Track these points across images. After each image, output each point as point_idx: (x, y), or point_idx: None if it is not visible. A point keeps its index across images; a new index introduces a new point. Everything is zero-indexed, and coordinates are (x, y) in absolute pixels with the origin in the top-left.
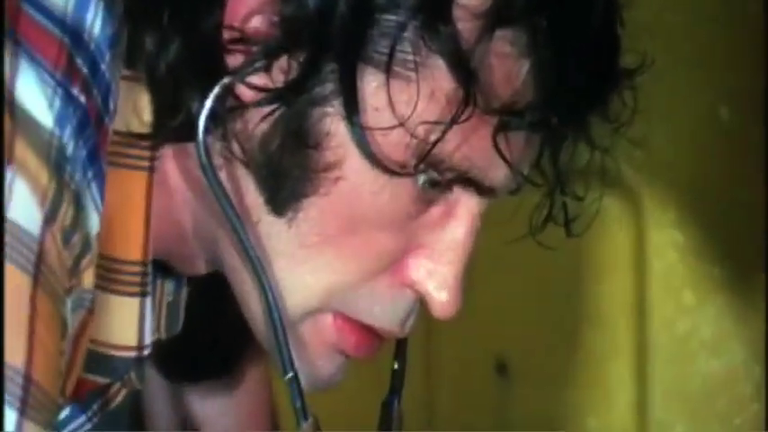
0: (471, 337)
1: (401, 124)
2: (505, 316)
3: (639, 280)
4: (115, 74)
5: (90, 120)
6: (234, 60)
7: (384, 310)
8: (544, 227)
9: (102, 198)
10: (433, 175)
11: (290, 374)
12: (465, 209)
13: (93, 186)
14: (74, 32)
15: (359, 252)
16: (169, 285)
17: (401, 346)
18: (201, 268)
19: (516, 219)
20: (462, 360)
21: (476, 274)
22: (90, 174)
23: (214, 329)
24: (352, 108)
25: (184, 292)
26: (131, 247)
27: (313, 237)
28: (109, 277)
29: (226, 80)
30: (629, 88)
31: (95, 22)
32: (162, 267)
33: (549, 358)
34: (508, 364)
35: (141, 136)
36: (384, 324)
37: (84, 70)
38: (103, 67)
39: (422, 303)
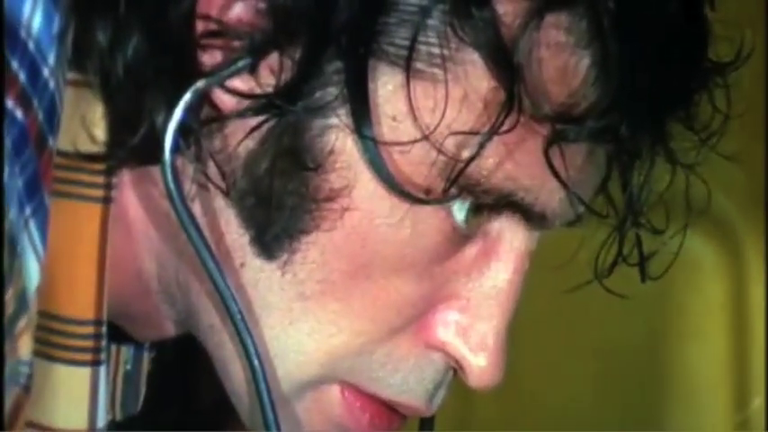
0: (522, 412)
1: (425, 137)
2: (566, 385)
3: (740, 345)
4: (60, 81)
5: (28, 140)
6: (210, 59)
7: (406, 379)
8: (612, 270)
9: (44, 241)
10: (468, 202)
11: None
12: (509, 246)
13: (32, 226)
14: (7, 29)
15: (372, 305)
16: (127, 351)
17: (427, 422)
18: (169, 330)
19: (577, 263)
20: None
21: (525, 333)
22: (28, 210)
23: (183, 408)
24: (363, 118)
25: (146, 359)
26: (81, 303)
27: (313, 285)
28: (52, 341)
29: (200, 84)
30: (722, 87)
31: (34, 15)
32: (117, 330)
33: None
34: None
35: (93, 158)
36: (406, 398)
37: (21, 77)
38: (46, 72)
39: (455, 371)
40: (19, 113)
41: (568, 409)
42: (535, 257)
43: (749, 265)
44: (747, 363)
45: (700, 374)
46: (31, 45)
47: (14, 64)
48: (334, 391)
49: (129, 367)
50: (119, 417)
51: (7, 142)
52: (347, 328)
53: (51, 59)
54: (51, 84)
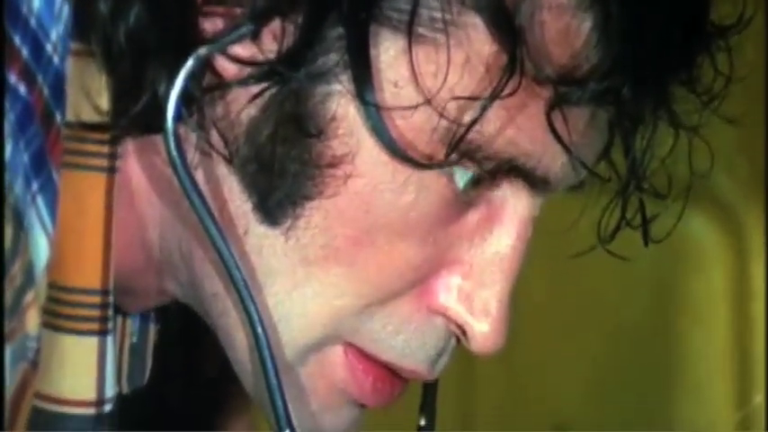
0: (524, 393)
1: (428, 101)
2: (567, 368)
3: (741, 329)
4: (65, 56)
5: (33, 115)
6: (212, 26)
7: (408, 343)
8: (615, 235)
9: (54, 216)
10: (470, 168)
11: None
12: (512, 212)
13: (40, 201)
14: (8, 4)
15: (375, 269)
16: (132, 323)
17: (429, 395)
18: (166, 299)
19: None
20: (511, 417)
21: (531, 314)
22: (35, 185)
23: (189, 380)
24: (365, 83)
25: (152, 330)
26: (88, 273)
27: (316, 250)
28: (58, 312)
29: (202, 51)
30: (724, 50)
31: None
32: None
33: (624, 425)
34: (570, 426)
35: (97, 127)
36: (408, 361)
37: (24, 52)
38: (49, 48)
39: (458, 339)
40: (22, 88)
41: (569, 399)
42: (537, 241)
43: (751, 247)
44: (749, 346)
45: (701, 358)
46: (32, 21)
47: (17, 39)
48: (338, 352)
49: (135, 340)
50: (125, 389)
51: (11, 117)
52: (350, 291)
53: (54, 35)
54: (55, 59)
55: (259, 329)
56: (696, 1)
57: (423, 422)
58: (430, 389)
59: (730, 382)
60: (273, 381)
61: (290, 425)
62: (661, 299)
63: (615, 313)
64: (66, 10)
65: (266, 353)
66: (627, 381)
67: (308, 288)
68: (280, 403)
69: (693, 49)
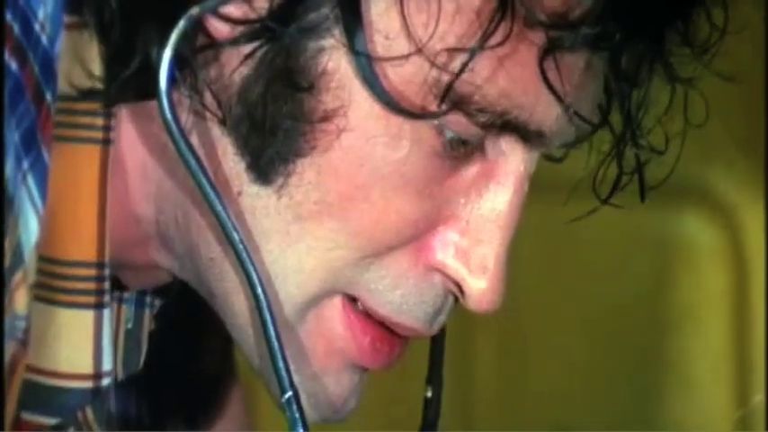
0: (524, 394)
1: (419, 50)
2: (567, 369)
3: (741, 334)
4: (53, 35)
5: (24, 93)
6: None
7: (406, 298)
8: (614, 191)
9: (44, 195)
10: (462, 121)
11: (289, 394)
12: (507, 167)
13: (30, 180)
14: None
15: (370, 223)
16: (128, 309)
17: (435, 366)
18: (163, 277)
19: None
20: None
21: (529, 315)
22: (25, 163)
23: (184, 366)
24: (357, 35)
25: (147, 317)
26: (83, 246)
27: (310, 206)
28: (54, 285)
29: (193, 11)
30: (719, 4)
31: None
32: (116, 283)
33: (623, 426)
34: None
35: (90, 94)
36: (406, 317)
37: (16, 29)
38: (37, 27)
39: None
40: (14, 65)
41: (569, 400)
42: (535, 242)
43: (750, 248)
44: (748, 348)
45: (700, 359)
46: (21, 0)
47: (9, 15)
48: (335, 305)
49: (130, 326)
50: (121, 375)
51: (3, 95)
52: (345, 244)
53: (41, 14)
54: (43, 39)
55: (259, 290)
56: None
57: (429, 393)
58: (436, 360)
59: (730, 384)
60: (275, 344)
61: (292, 387)
62: (659, 300)
63: (614, 315)
64: None
65: (267, 315)
66: (626, 382)
67: (302, 244)
68: (282, 366)
69: None
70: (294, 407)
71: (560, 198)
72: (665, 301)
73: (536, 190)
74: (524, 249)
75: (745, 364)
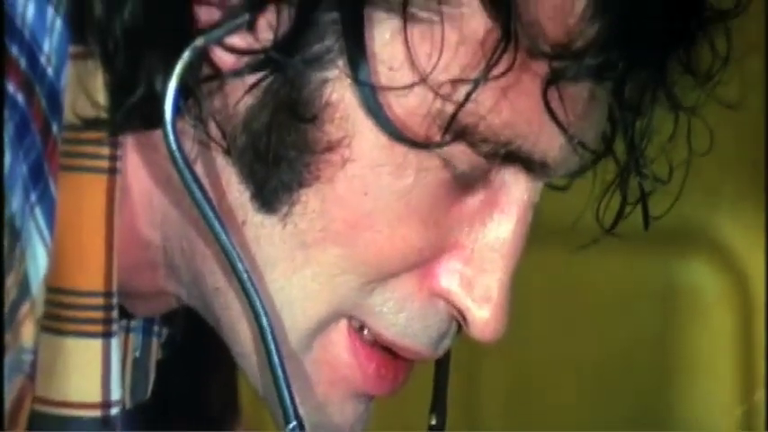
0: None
1: (423, 80)
2: (574, 417)
3: (746, 379)
4: (59, 68)
5: (31, 126)
6: (207, 16)
7: (410, 322)
8: (618, 221)
9: (51, 227)
10: (466, 152)
11: (293, 424)
12: (511, 197)
13: (38, 211)
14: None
15: (375, 250)
16: (135, 338)
17: (440, 394)
18: (171, 303)
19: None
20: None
21: (537, 364)
22: (33, 196)
23: (191, 395)
24: (361, 66)
25: (155, 345)
26: (90, 275)
27: (315, 234)
28: (62, 315)
29: (198, 42)
30: (722, 31)
31: (28, 5)
32: (123, 312)
33: None
34: None
35: (95, 124)
36: (411, 341)
37: (23, 63)
38: (43, 60)
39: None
40: (20, 98)
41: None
42: (541, 291)
43: (754, 295)
44: (754, 395)
45: (707, 412)
46: (26, 33)
47: (14, 50)
48: (341, 330)
49: (137, 354)
50: (129, 404)
51: (10, 127)
52: (350, 269)
53: (46, 47)
54: (49, 71)
55: (264, 321)
56: None
57: (433, 421)
58: (440, 388)
59: (737, 429)
60: (280, 373)
61: (297, 417)
62: (665, 347)
63: (620, 361)
64: (58, 22)
65: (271, 345)
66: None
67: (307, 270)
68: (286, 395)
69: (691, 26)
70: None
71: (566, 245)
72: (670, 348)
73: (543, 237)
74: (531, 297)
75: (751, 410)
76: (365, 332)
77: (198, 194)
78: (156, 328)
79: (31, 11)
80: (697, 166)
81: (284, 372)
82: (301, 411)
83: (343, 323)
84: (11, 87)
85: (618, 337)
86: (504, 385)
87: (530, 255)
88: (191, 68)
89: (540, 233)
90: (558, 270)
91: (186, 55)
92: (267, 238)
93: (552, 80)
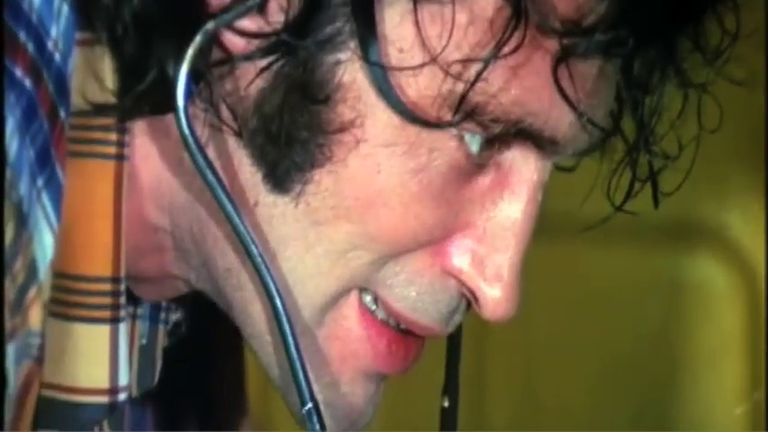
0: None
1: (433, 59)
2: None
3: (755, 376)
4: (66, 53)
5: (38, 111)
6: (218, 0)
7: (421, 297)
8: (627, 198)
9: (58, 212)
10: (478, 131)
11: (309, 405)
12: (521, 176)
13: (45, 197)
14: (10, 2)
15: (388, 227)
16: (142, 325)
17: (452, 376)
18: (180, 289)
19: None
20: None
21: (545, 357)
22: (40, 181)
23: (201, 380)
24: (372, 47)
25: (161, 332)
26: (98, 261)
27: (326, 212)
28: (70, 301)
29: (209, 26)
30: (730, 9)
31: None
32: (130, 297)
33: None
34: None
35: (104, 110)
36: (421, 315)
37: (30, 48)
38: (50, 45)
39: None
40: (28, 83)
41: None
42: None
43: (760, 289)
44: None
45: (715, 405)
46: (34, 18)
47: (22, 35)
48: (353, 303)
49: (144, 342)
50: (135, 392)
51: (17, 112)
52: (362, 246)
53: (53, 32)
54: (56, 56)
55: (278, 302)
56: None
57: (446, 403)
58: (452, 370)
59: (745, 426)
60: (294, 354)
61: (312, 399)
62: (674, 343)
63: (628, 357)
64: (65, 8)
65: (286, 326)
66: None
67: (319, 248)
68: (302, 377)
69: (700, 3)
70: (315, 418)
71: (574, 242)
72: (677, 343)
73: (551, 231)
74: (539, 290)
75: (761, 406)
76: (376, 310)
77: (211, 178)
78: (162, 316)
79: None
80: (705, 161)
81: (299, 353)
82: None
83: (354, 297)
84: (18, 72)
85: (625, 331)
86: (510, 384)
87: (538, 249)
88: (201, 52)
89: (548, 227)
90: (566, 264)
91: (197, 39)
92: (280, 217)
93: (562, 57)
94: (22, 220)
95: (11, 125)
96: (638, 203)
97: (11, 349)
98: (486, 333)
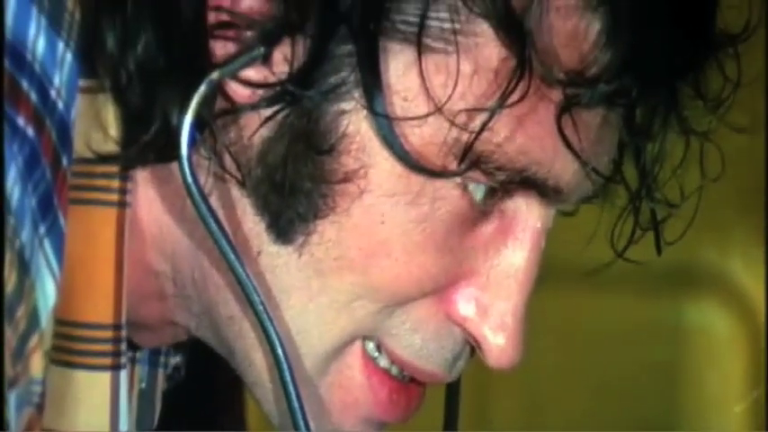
0: None
1: (438, 110)
2: None
3: (758, 422)
4: (69, 102)
5: (41, 159)
6: (223, 50)
7: (426, 344)
8: (629, 243)
9: (60, 260)
10: (482, 180)
11: None
12: (525, 224)
13: (47, 244)
14: (13, 50)
15: (392, 277)
16: (141, 369)
17: (451, 414)
18: (179, 334)
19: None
20: None
21: (550, 405)
22: (42, 228)
23: (201, 424)
24: (376, 97)
25: (161, 376)
26: (99, 308)
27: (330, 262)
28: (71, 348)
29: (214, 76)
30: (731, 56)
31: (39, 39)
32: (129, 344)
33: None
34: None
35: (107, 158)
36: (425, 362)
37: (33, 97)
38: (53, 93)
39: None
40: (30, 131)
41: None
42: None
43: (764, 334)
44: None
45: None
46: (37, 67)
47: (24, 83)
48: (356, 352)
49: (143, 385)
50: None
51: (19, 160)
52: (366, 296)
53: (57, 81)
54: (59, 104)
55: (279, 351)
56: (702, 3)
57: None
58: (453, 407)
59: None
60: (295, 404)
61: None
62: (678, 389)
63: (632, 403)
64: (69, 56)
65: (287, 376)
66: None
67: (323, 298)
68: (302, 426)
69: (701, 51)
70: None
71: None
72: (681, 387)
73: (557, 279)
74: (544, 337)
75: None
76: (380, 360)
77: (214, 227)
78: (162, 360)
79: (41, 44)
80: (707, 207)
81: (300, 402)
82: None
83: (358, 346)
84: (21, 121)
85: (629, 376)
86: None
87: (543, 294)
88: (206, 102)
89: (552, 274)
90: (571, 311)
91: (202, 89)
92: (283, 267)
93: (566, 107)
94: (25, 268)
95: (13, 173)
96: (641, 250)
97: (12, 397)
98: (489, 379)
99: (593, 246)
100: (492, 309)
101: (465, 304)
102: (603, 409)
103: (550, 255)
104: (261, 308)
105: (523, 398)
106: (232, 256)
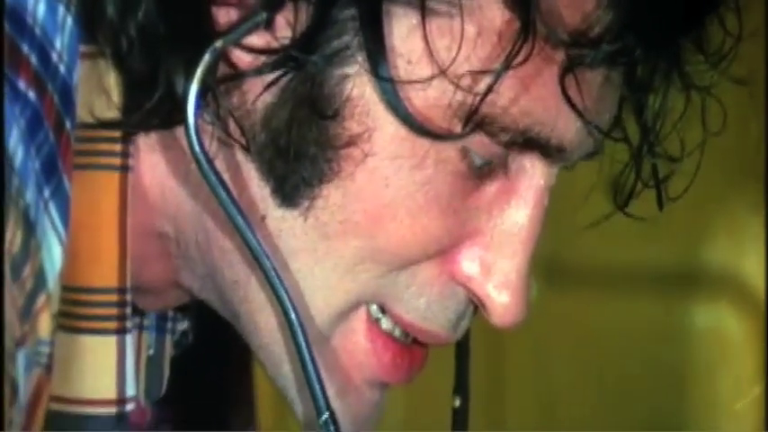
0: None
1: (442, 72)
2: None
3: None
4: (71, 65)
5: (43, 122)
6: (225, 16)
7: (430, 306)
8: (630, 197)
9: (66, 222)
10: (485, 140)
11: (326, 415)
12: (528, 182)
13: (53, 207)
14: (13, 14)
15: (397, 240)
16: (149, 336)
17: (462, 375)
18: (183, 298)
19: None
20: None
21: (565, 405)
22: (47, 191)
23: (209, 389)
24: (380, 60)
25: (168, 342)
26: (104, 272)
27: (336, 226)
28: (76, 313)
29: (218, 44)
30: (732, 9)
31: (39, 4)
32: (135, 308)
33: None
34: None
35: (110, 124)
36: (430, 324)
37: (33, 60)
38: (54, 57)
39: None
40: (32, 94)
41: None
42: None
43: None
44: None
45: None
46: (38, 31)
47: (25, 47)
48: (361, 317)
49: (152, 352)
50: (143, 402)
51: (21, 123)
52: (371, 259)
53: (58, 44)
54: (61, 68)
55: (292, 315)
56: None
57: (457, 403)
58: (463, 369)
59: None
60: (310, 365)
61: (329, 408)
62: (691, 391)
63: (645, 406)
64: (69, 20)
65: (301, 339)
66: None
67: (328, 261)
68: (318, 388)
69: (702, 7)
70: (332, 428)
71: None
72: (693, 389)
73: (568, 282)
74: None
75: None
76: (383, 322)
77: (223, 195)
78: (169, 326)
79: (41, 9)
80: (720, 209)
81: (315, 365)
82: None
83: (363, 311)
84: (22, 84)
85: (641, 376)
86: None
87: (558, 297)
88: (209, 69)
89: (567, 276)
90: (583, 312)
91: (206, 58)
92: (288, 231)
93: (570, 67)
94: (30, 228)
95: (15, 135)
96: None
97: (21, 356)
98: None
99: (606, 248)
100: (496, 267)
101: (469, 264)
102: (615, 409)
103: (564, 257)
104: (272, 272)
105: (536, 397)
106: (241, 222)
